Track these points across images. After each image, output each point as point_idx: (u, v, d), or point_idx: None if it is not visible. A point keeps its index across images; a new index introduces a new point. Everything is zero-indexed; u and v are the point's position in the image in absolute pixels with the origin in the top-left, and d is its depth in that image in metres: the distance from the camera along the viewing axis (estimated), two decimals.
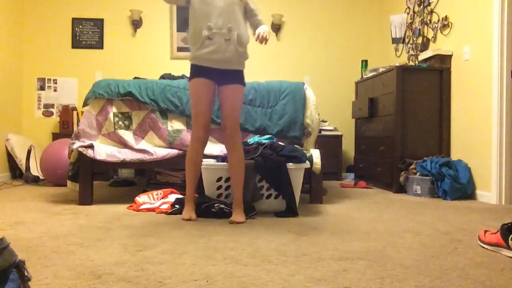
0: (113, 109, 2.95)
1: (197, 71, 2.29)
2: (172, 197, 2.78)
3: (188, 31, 2.34)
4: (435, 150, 3.75)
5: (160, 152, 2.83)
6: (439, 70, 3.76)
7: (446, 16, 3.82)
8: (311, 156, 2.83)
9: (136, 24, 5.04)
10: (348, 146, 5.21)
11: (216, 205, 2.42)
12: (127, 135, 2.92)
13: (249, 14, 2.40)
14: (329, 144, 4.69)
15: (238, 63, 2.32)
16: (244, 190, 2.47)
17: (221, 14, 2.23)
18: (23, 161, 4.36)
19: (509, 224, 1.68)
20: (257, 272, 1.41)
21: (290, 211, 2.50)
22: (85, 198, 2.82)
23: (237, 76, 2.33)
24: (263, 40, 2.26)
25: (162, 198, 2.79)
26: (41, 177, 4.26)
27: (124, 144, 2.91)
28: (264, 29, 2.31)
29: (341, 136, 4.81)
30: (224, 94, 2.32)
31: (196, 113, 2.31)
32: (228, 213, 2.37)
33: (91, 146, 2.83)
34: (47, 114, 5.02)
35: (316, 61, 5.27)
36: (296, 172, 2.57)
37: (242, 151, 2.36)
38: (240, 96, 2.34)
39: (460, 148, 3.61)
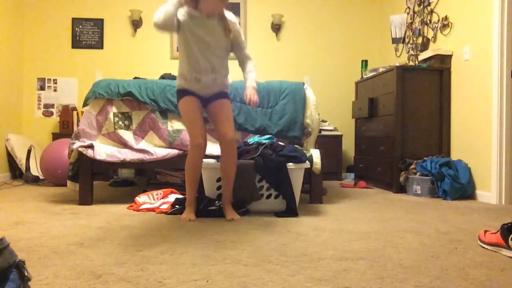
0: (113, 109, 2.95)
1: (185, 92, 2.39)
2: (172, 197, 2.78)
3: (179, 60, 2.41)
4: (435, 150, 3.76)
5: (160, 152, 2.83)
6: (439, 70, 3.76)
7: (446, 16, 3.82)
8: (311, 156, 2.83)
9: (136, 24, 5.04)
10: (348, 146, 5.21)
11: (217, 202, 2.45)
12: (127, 135, 2.92)
13: (236, 47, 2.45)
14: (329, 144, 4.68)
15: (223, 89, 2.47)
16: (243, 189, 2.49)
17: (209, 52, 2.31)
18: (23, 161, 4.36)
19: (509, 224, 1.68)
20: (257, 272, 1.41)
21: (290, 211, 2.50)
22: (85, 198, 2.82)
23: (223, 94, 2.46)
24: (254, 105, 2.35)
25: (162, 198, 2.79)
26: (41, 177, 4.26)
27: (124, 144, 2.91)
28: (253, 84, 2.39)
29: (341, 136, 4.81)
30: (215, 108, 2.40)
31: (191, 123, 2.32)
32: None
33: (91, 146, 2.83)
34: (47, 114, 5.02)
35: (316, 61, 5.27)
36: (296, 172, 2.57)
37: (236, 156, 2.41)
38: (230, 108, 2.43)
39: (460, 148, 3.61)
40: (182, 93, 2.40)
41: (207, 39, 2.29)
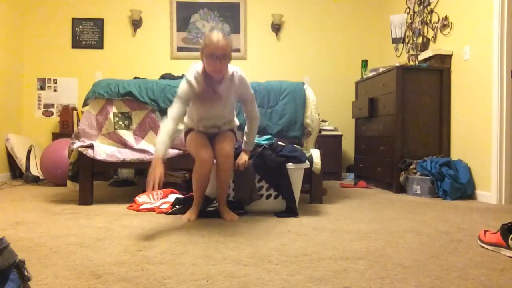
0: (113, 109, 2.95)
1: (192, 129, 2.47)
2: (172, 197, 2.78)
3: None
4: (435, 150, 3.75)
5: None
6: (439, 70, 3.76)
7: (446, 16, 3.82)
8: (311, 156, 2.83)
9: (136, 24, 5.04)
10: (348, 146, 5.21)
11: (214, 201, 2.44)
12: (127, 135, 2.92)
13: (243, 103, 2.43)
14: (329, 144, 4.69)
15: (230, 128, 2.52)
16: (243, 189, 2.49)
17: (214, 118, 2.38)
18: (23, 161, 4.36)
19: (509, 224, 1.68)
20: (257, 272, 1.41)
21: (290, 211, 2.50)
22: (85, 198, 2.82)
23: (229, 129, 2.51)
24: (241, 170, 2.41)
25: (162, 198, 2.79)
26: (41, 177, 4.26)
27: (124, 144, 2.91)
28: (248, 150, 2.46)
29: (341, 136, 4.81)
30: (218, 136, 2.42)
31: (195, 143, 2.31)
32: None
33: (91, 146, 2.83)
34: (47, 114, 5.02)
35: (316, 61, 5.27)
36: (296, 172, 2.57)
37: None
38: (232, 137, 2.43)
39: (460, 148, 3.61)
40: (189, 130, 2.47)
41: (216, 110, 2.33)
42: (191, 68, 2.27)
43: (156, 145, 2.06)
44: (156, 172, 1.94)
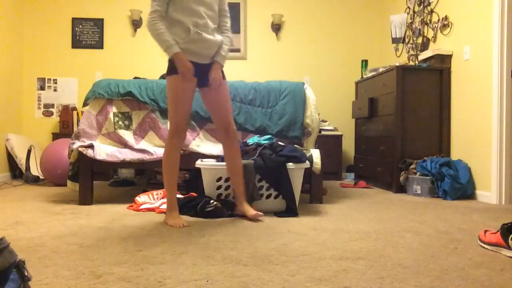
0: (113, 109, 2.95)
1: None
2: None
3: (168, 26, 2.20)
4: (435, 150, 3.75)
5: (160, 152, 2.83)
6: (439, 70, 3.76)
7: (446, 16, 3.82)
8: (311, 156, 2.83)
9: (136, 24, 5.04)
10: (348, 146, 5.21)
11: (211, 201, 2.42)
12: (127, 135, 2.92)
13: (220, 13, 2.32)
14: (329, 144, 4.69)
15: (218, 50, 2.27)
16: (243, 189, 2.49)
17: (207, 12, 2.19)
18: (23, 161, 4.36)
19: (509, 224, 1.68)
20: (257, 272, 1.41)
21: (290, 211, 2.50)
22: (85, 198, 2.82)
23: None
24: (216, 84, 2.22)
25: (162, 198, 2.79)
26: (41, 177, 4.26)
27: (124, 144, 2.91)
28: (221, 62, 2.26)
29: (341, 136, 4.81)
30: (214, 92, 2.26)
31: (176, 104, 2.14)
32: (223, 211, 2.40)
33: (91, 146, 2.83)
34: (47, 114, 5.02)
35: (316, 61, 5.27)
36: (296, 172, 2.57)
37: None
38: (227, 89, 2.32)
39: (460, 148, 3.61)
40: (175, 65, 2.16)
41: (205, 2, 2.18)
42: None
43: (168, 44, 2.14)
44: (188, 64, 2.12)
